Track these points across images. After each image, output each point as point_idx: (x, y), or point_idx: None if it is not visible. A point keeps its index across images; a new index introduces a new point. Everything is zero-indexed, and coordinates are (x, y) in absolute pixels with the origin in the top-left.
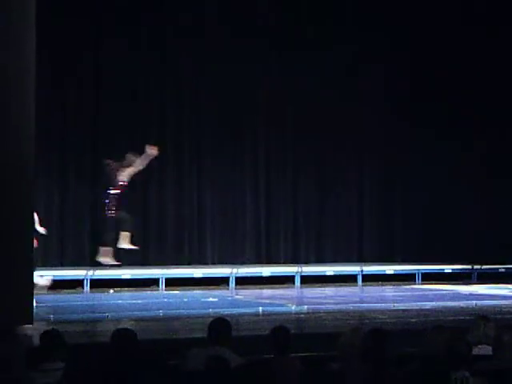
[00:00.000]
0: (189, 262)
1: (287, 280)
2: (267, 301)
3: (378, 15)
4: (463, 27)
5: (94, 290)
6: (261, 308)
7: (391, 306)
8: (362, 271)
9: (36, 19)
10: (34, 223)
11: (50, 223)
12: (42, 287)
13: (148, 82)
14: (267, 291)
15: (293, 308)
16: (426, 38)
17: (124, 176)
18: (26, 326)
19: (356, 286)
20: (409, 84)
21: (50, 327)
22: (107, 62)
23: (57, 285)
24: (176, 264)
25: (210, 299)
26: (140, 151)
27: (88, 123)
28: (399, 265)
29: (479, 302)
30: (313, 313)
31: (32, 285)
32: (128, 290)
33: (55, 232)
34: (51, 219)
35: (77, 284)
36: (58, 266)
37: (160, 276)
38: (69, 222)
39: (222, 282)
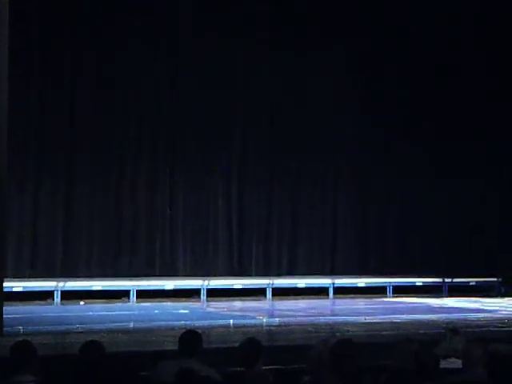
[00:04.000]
0: (160, 274)
1: (259, 292)
2: (238, 313)
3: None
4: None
5: (64, 301)
6: (232, 320)
7: (362, 318)
8: (333, 284)
9: (9, 20)
10: (3, 232)
11: (21, 234)
12: None
13: (124, 91)
14: (239, 303)
15: (264, 320)
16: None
17: None
18: None
19: (327, 298)
20: (384, 95)
21: (21, 339)
22: (85, 69)
23: (27, 296)
24: (147, 276)
25: (181, 311)
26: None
27: (62, 132)
28: (371, 277)
29: (450, 315)
30: (284, 325)
31: (2, 296)
32: (99, 302)
33: (26, 243)
34: (23, 230)
35: (47, 295)
36: (29, 277)
37: (131, 288)
38: (40, 233)
39: (194, 294)
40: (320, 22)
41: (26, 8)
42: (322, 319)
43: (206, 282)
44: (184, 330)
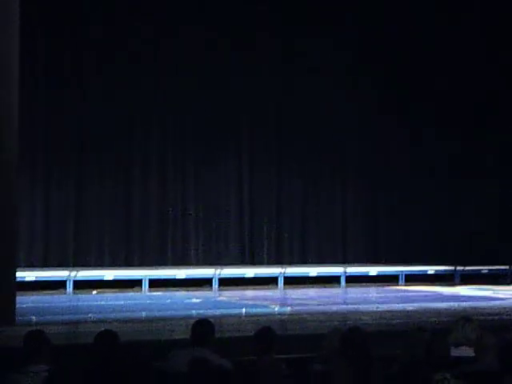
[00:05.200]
0: (172, 263)
1: (271, 281)
2: (250, 302)
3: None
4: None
5: (76, 291)
6: (244, 309)
7: (374, 307)
8: (345, 272)
9: (20, 19)
10: (17, 222)
11: (33, 223)
12: None
13: (133, 87)
14: (251, 292)
15: (276, 309)
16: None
17: None
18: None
19: (339, 287)
20: (396, 91)
21: (34, 328)
22: (93, 67)
23: (40, 286)
24: (159, 265)
25: (194, 300)
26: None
27: (74, 124)
28: (382, 266)
29: (462, 304)
30: (296, 314)
31: (14, 285)
32: (111, 291)
33: (39, 232)
34: (35, 219)
35: (60, 285)
36: (42, 266)
37: (143, 277)
38: (53, 223)
39: (206, 283)
40: (320, 22)
41: (27, 8)
42: (334, 308)
43: (217, 271)
44: (196, 320)
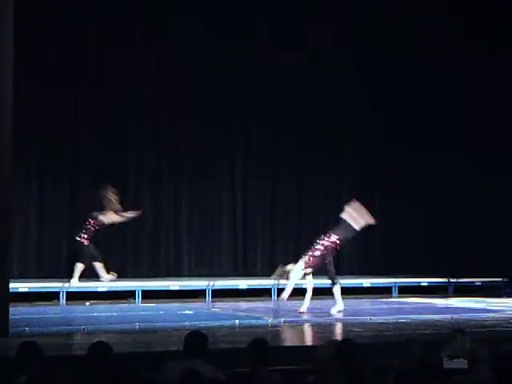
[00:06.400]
0: (165, 275)
1: (264, 293)
2: (244, 313)
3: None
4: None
5: (70, 302)
6: (237, 321)
7: (368, 319)
8: None
9: (14, 19)
10: (11, 233)
11: (26, 234)
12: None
13: (132, 87)
14: (244, 304)
15: (269, 321)
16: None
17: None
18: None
19: (333, 298)
20: (389, 97)
21: (27, 339)
22: (90, 67)
23: (33, 297)
24: (152, 276)
25: (187, 312)
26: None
27: (68, 132)
28: (376, 278)
29: (455, 316)
30: (289, 326)
31: (8, 296)
32: (104, 303)
33: (32, 244)
34: (28, 230)
35: (53, 296)
36: (35, 277)
37: (136, 288)
38: (46, 234)
39: (199, 294)
40: (320, 22)
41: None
42: (327, 319)
43: (211, 283)
44: (189, 331)
